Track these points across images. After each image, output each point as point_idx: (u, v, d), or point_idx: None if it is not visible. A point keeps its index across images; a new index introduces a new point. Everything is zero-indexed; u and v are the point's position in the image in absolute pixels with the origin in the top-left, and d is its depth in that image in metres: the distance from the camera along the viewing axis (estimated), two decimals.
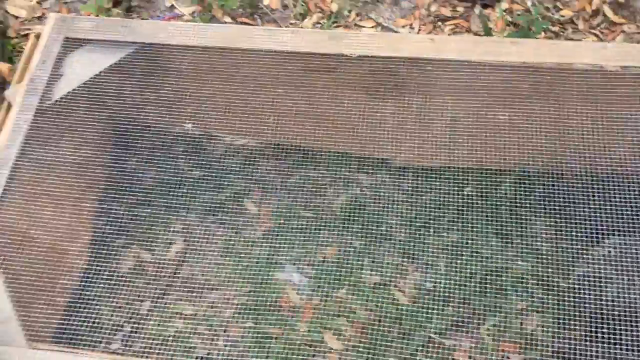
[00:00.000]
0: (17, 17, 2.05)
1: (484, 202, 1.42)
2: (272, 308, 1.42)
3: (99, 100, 1.32)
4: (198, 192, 1.51)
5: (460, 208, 1.44)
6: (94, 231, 1.42)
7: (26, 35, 2.01)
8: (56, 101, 1.29)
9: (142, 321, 1.38)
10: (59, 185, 1.30)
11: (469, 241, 1.43)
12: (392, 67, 1.33)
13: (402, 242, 1.47)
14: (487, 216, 1.41)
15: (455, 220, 1.47)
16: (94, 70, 1.31)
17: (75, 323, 1.25)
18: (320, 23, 1.97)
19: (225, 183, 1.51)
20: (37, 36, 1.38)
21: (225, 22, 1.98)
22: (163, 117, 1.33)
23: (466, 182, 1.43)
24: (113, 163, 1.42)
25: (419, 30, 1.95)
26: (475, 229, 1.43)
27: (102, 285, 1.36)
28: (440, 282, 1.38)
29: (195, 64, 1.35)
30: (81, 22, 1.36)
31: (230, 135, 1.46)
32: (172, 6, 2.03)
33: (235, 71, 1.35)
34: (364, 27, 1.96)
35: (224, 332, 1.39)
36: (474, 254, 1.42)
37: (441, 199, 1.44)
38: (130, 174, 1.42)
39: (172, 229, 1.52)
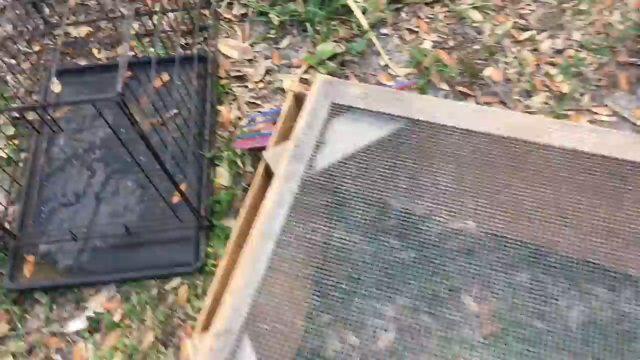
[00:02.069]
0: (227, 57, 2.00)
1: None
2: None
3: (366, 178, 1.17)
4: (411, 276, 1.36)
5: None
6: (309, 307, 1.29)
7: (236, 77, 1.95)
8: (321, 171, 1.16)
9: None
10: (320, 266, 1.15)
11: None
12: None
13: None
14: None
15: None
16: (361, 141, 1.18)
17: None
18: (547, 103, 1.80)
19: (442, 270, 1.36)
20: (296, 96, 1.27)
21: (442, 89, 1.85)
22: (439, 209, 1.18)
23: None
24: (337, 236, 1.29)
25: None
26: None
27: None
28: None
29: (474, 151, 1.19)
30: (349, 87, 1.23)
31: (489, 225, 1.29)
32: (386, 66, 1.93)
33: (517, 165, 1.18)
34: (597, 114, 1.77)
35: None
36: None
37: None
38: (346, 247, 1.29)
39: (382, 315, 1.38)
